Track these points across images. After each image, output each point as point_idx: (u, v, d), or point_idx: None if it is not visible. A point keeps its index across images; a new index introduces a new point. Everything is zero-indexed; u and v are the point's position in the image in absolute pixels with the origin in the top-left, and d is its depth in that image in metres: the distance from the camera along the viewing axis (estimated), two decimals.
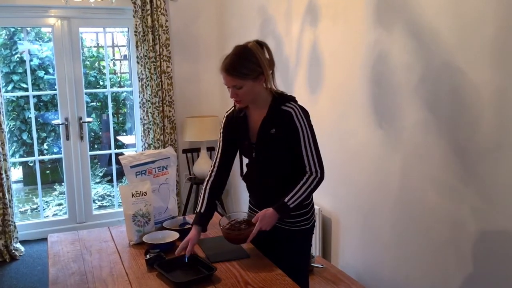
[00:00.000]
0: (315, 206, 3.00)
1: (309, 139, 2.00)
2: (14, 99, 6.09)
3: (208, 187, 2.16)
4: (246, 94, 2.00)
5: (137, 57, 4.41)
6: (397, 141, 2.46)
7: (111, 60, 7.12)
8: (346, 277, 2.78)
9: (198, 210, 2.13)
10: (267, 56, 2.02)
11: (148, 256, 1.96)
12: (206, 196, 2.14)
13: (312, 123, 2.05)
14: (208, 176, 2.18)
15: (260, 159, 2.10)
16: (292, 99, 2.06)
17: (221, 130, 2.20)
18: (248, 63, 1.96)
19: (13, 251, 4.09)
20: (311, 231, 2.17)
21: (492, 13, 1.87)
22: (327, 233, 3.15)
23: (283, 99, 2.04)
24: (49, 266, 2.01)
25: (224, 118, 2.21)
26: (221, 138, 2.20)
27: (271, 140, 2.03)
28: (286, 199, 1.98)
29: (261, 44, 2.02)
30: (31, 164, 6.16)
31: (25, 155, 6.23)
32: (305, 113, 2.02)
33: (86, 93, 4.75)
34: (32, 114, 4.74)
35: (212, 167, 2.19)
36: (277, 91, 2.07)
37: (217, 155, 2.19)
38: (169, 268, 1.88)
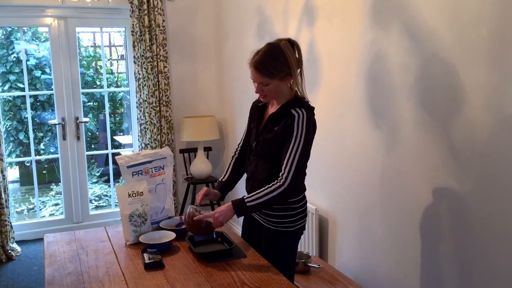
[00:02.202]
0: (312, 206, 3.02)
1: (298, 147, 1.97)
2: (11, 99, 6.07)
3: (232, 162, 2.36)
4: (271, 92, 2.05)
5: (134, 57, 4.41)
6: (394, 140, 2.47)
7: (108, 60, 7.11)
8: (343, 277, 2.79)
9: (220, 179, 2.36)
10: (297, 55, 2.04)
11: (146, 259, 1.96)
12: (230, 169, 2.35)
13: None
14: (233, 153, 2.39)
15: (258, 150, 2.14)
16: (306, 107, 2.05)
17: (249, 114, 2.33)
18: (278, 63, 2.00)
19: (9, 251, 4.08)
20: (295, 235, 2.15)
21: (489, 13, 1.88)
22: (323, 233, 3.15)
23: (297, 103, 2.04)
24: (45, 266, 2.01)
25: (252, 103, 2.32)
26: (248, 121, 2.33)
27: (271, 136, 2.06)
28: (245, 197, 2.01)
29: (292, 44, 2.04)
30: (27, 164, 6.14)
31: (22, 155, 6.21)
32: (309, 123, 2.00)
33: (83, 93, 4.74)
34: (28, 114, 4.73)
35: (237, 146, 2.38)
36: (301, 95, 2.09)
37: (243, 135, 2.36)
38: (197, 243, 2.13)
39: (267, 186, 1.99)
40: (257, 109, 2.23)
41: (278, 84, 2.02)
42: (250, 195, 2.00)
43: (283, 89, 2.06)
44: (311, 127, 2.01)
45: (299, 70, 2.06)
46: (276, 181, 1.99)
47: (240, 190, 2.23)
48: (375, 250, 2.69)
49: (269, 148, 2.07)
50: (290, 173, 1.96)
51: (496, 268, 1.95)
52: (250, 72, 2.05)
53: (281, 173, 1.99)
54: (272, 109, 2.14)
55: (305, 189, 2.18)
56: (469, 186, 2.03)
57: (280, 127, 2.03)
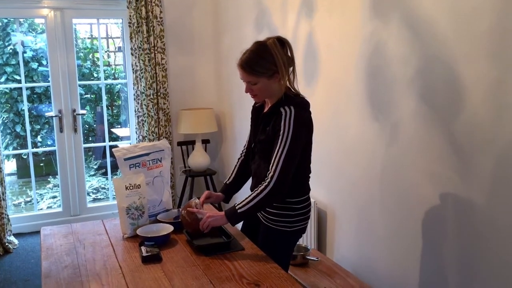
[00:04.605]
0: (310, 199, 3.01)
1: (284, 145, 1.94)
2: (7, 91, 6.04)
3: (238, 164, 2.36)
4: (260, 90, 2.04)
5: (131, 48, 4.38)
6: (393, 134, 2.45)
7: (105, 51, 7.07)
8: (341, 269, 2.78)
9: (225, 182, 2.35)
10: (289, 54, 2.02)
11: (144, 253, 1.94)
12: (235, 171, 2.35)
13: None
14: (239, 155, 2.37)
15: (256, 151, 2.15)
16: (296, 103, 2.01)
17: (250, 117, 2.31)
18: (264, 61, 1.98)
19: (6, 244, 4.06)
20: (292, 236, 2.13)
21: (489, 5, 1.86)
22: (322, 226, 3.14)
23: (288, 101, 2.02)
24: (41, 259, 1.99)
25: (252, 106, 2.30)
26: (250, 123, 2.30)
27: (264, 137, 2.05)
28: (236, 204, 2.00)
29: (282, 42, 2.02)
30: (24, 157, 6.12)
31: (19, 148, 6.19)
32: (297, 120, 1.96)
33: (80, 85, 4.72)
34: (25, 106, 4.70)
35: (243, 148, 2.36)
36: (292, 92, 2.05)
37: (248, 138, 2.32)
38: (195, 236, 2.09)
39: (255, 190, 1.99)
40: (255, 111, 2.22)
41: (266, 83, 2.01)
42: (241, 201, 2.00)
43: (273, 88, 2.03)
44: (299, 124, 1.97)
45: (291, 68, 2.03)
46: (263, 182, 1.97)
47: (246, 192, 2.21)
48: (374, 243, 2.68)
49: (265, 148, 2.06)
50: (276, 172, 1.94)
51: (498, 262, 1.94)
52: (239, 72, 2.04)
53: (268, 173, 1.97)
54: (266, 109, 2.13)
55: (309, 191, 2.15)
56: (470, 180, 2.02)
57: (270, 127, 2.02)
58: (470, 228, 2.04)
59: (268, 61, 1.97)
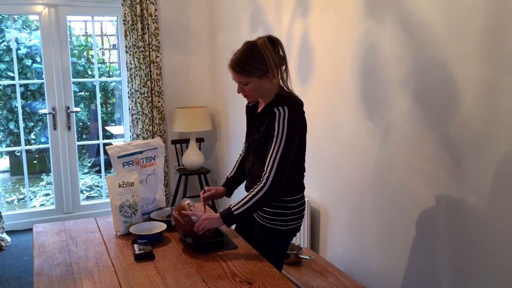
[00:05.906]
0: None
1: (279, 146, 1.94)
2: (1, 88, 6.00)
3: (239, 160, 2.36)
4: (252, 90, 2.03)
5: (126, 46, 4.36)
6: (387, 133, 2.46)
7: (100, 49, 7.05)
8: (334, 268, 2.79)
9: (227, 176, 2.36)
10: (281, 53, 2.02)
11: (137, 250, 1.94)
12: (236, 165, 2.35)
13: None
14: (241, 151, 2.37)
15: (251, 150, 2.16)
16: (290, 103, 2.00)
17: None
18: (254, 61, 1.97)
19: None
20: (286, 235, 2.14)
21: (483, 6, 1.87)
22: (315, 224, 3.15)
23: (281, 100, 2.01)
24: (34, 256, 1.99)
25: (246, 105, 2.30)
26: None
27: (258, 137, 2.05)
28: (232, 205, 2.00)
29: (273, 41, 2.01)
30: (18, 154, 6.09)
31: (12, 145, 6.15)
32: (291, 120, 1.96)
33: (74, 83, 4.69)
34: (18, 103, 4.67)
35: (244, 145, 2.36)
36: (285, 92, 2.05)
37: (246, 134, 2.32)
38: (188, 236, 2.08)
39: (250, 191, 1.99)
40: (249, 110, 2.22)
41: (258, 83, 2.00)
42: (236, 202, 1.99)
43: (265, 88, 2.03)
44: (293, 124, 1.97)
45: (284, 67, 2.03)
46: (258, 183, 1.97)
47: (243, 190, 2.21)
48: (367, 242, 2.69)
49: (259, 148, 2.06)
50: (272, 173, 1.94)
51: (490, 260, 1.95)
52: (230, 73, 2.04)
53: (263, 174, 1.97)
54: (259, 109, 2.13)
55: (303, 189, 2.15)
56: (463, 179, 2.03)
57: (264, 127, 2.02)
58: (462, 227, 2.06)
59: (258, 61, 1.96)
